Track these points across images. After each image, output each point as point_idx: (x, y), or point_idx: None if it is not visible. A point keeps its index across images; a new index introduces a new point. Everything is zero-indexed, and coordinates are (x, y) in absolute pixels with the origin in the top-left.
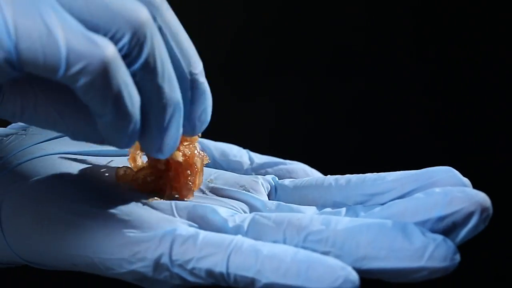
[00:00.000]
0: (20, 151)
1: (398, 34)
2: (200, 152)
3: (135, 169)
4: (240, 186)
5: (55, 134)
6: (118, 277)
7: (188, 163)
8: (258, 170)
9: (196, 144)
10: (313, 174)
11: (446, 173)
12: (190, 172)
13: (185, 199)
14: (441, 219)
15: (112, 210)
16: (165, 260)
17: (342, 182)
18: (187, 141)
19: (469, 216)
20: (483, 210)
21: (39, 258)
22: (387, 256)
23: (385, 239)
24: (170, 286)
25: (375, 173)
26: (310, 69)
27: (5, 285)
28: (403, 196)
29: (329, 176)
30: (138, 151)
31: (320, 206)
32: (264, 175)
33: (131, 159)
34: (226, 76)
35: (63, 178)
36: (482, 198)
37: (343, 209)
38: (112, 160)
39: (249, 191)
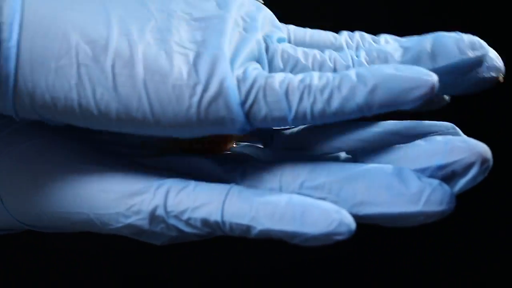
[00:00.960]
0: None
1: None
2: None
3: None
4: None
5: None
6: (116, 233)
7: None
8: None
9: None
10: None
11: (449, 129)
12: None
13: None
14: (440, 167)
15: (107, 166)
16: (160, 211)
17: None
18: None
19: (469, 166)
20: (483, 161)
21: (38, 221)
22: (384, 201)
23: (382, 184)
24: (168, 238)
25: (371, 122)
26: None
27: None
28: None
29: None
30: None
31: (318, 150)
32: None
33: None
34: None
35: (57, 139)
36: (482, 149)
37: (342, 153)
38: None
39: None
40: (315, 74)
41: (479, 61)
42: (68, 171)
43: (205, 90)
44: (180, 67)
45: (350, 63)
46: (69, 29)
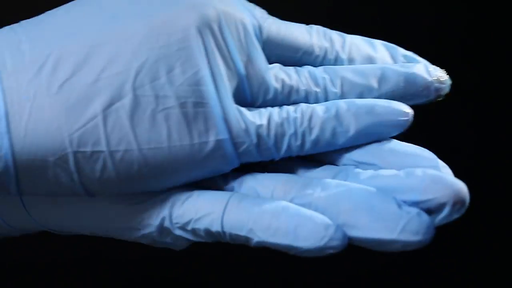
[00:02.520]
0: None
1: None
2: None
3: None
4: None
5: None
6: (134, 241)
7: None
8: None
9: None
10: None
11: (431, 161)
12: None
13: None
14: (416, 203)
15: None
16: (167, 224)
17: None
18: None
19: (441, 206)
20: (456, 202)
21: (62, 229)
22: (364, 225)
23: (363, 208)
24: (180, 246)
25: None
26: None
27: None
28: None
29: None
30: None
31: (314, 161)
32: None
33: None
34: None
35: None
36: (457, 188)
37: (336, 169)
38: None
39: None
40: (302, 117)
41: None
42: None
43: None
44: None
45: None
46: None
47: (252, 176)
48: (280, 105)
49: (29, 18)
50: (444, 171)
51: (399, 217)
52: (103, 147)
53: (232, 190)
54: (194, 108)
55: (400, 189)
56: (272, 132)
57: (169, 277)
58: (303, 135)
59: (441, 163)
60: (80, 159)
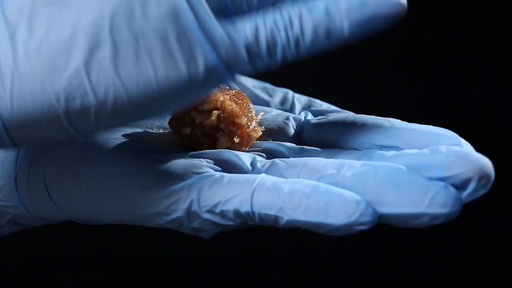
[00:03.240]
0: None
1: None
2: (254, 116)
3: (179, 133)
4: (273, 131)
5: None
6: (161, 227)
7: (236, 118)
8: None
9: (252, 106)
10: None
11: (452, 140)
12: (239, 129)
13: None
14: (441, 179)
15: (143, 166)
16: (195, 207)
17: (358, 124)
18: (239, 99)
19: (467, 181)
20: (481, 177)
21: (88, 218)
22: (391, 201)
23: (390, 184)
24: (208, 231)
25: (392, 120)
26: (380, 66)
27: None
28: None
29: (350, 115)
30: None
31: (337, 148)
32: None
33: (177, 121)
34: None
35: (96, 140)
36: (482, 163)
37: (360, 152)
38: None
39: (279, 136)
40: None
41: None
42: (109, 176)
43: None
44: None
45: None
46: None
47: (277, 161)
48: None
49: None
50: (467, 148)
51: (426, 190)
52: (91, 99)
53: (259, 173)
54: (176, 38)
55: (425, 166)
56: (263, 44)
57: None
58: (297, 40)
59: (463, 141)
60: (72, 115)
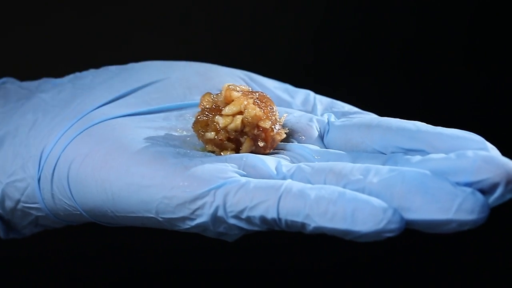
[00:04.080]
0: (82, 117)
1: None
2: (278, 118)
3: (203, 137)
4: (297, 133)
5: (110, 95)
6: (185, 231)
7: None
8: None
9: (275, 108)
10: None
11: (478, 144)
12: (263, 133)
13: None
14: (468, 184)
15: (168, 170)
16: (221, 213)
17: (383, 126)
18: (263, 102)
19: (494, 186)
20: (509, 181)
21: (111, 221)
22: (419, 207)
23: (417, 190)
24: (232, 236)
25: (417, 124)
26: (384, 69)
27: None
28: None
29: (374, 118)
30: (215, 117)
31: (362, 151)
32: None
33: (201, 124)
34: (312, 74)
35: (120, 143)
36: (510, 168)
37: (385, 156)
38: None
39: (302, 138)
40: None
41: None
42: (133, 179)
43: None
44: None
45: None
46: None
47: (303, 165)
48: None
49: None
50: (494, 152)
51: (454, 197)
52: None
53: (283, 179)
54: None
55: (452, 171)
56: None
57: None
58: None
59: (489, 145)
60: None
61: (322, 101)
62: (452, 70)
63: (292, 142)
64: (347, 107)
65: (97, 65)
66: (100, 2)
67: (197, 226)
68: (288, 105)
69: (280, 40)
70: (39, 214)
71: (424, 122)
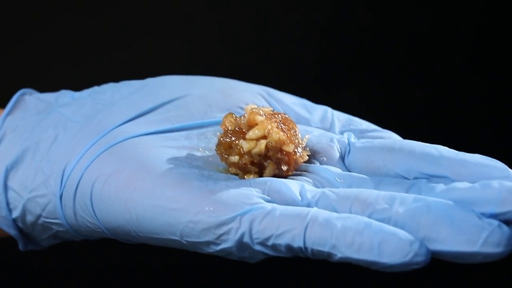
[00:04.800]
0: (104, 136)
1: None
2: (300, 141)
3: (226, 159)
4: (318, 153)
5: (132, 112)
6: (209, 254)
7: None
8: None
9: (297, 130)
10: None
11: (501, 172)
12: (287, 156)
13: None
14: (494, 215)
15: (193, 193)
16: (246, 239)
17: (406, 151)
18: (286, 125)
19: None
20: None
21: (133, 239)
22: (445, 239)
23: (444, 222)
24: (255, 259)
25: (440, 149)
26: (390, 68)
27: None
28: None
29: (397, 141)
30: (239, 140)
31: (384, 175)
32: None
33: (224, 147)
34: (317, 73)
35: (143, 163)
36: None
37: (408, 183)
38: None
39: (323, 159)
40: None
41: None
42: (157, 200)
43: None
44: None
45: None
46: None
47: (327, 192)
48: None
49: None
50: None
51: (481, 230)
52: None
53: (308, 206)
54: None
55: (477, 201)
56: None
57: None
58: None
59: None
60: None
61: (340, 118)
62: (459, 71)
63: (314, 163)
64: (364, 124)
65: (103, 66)
66: (104, 2)
67: (222, 250)
68: (306, 121)
69: (285, 40)
70: (60, 229)
71: (431, 123)
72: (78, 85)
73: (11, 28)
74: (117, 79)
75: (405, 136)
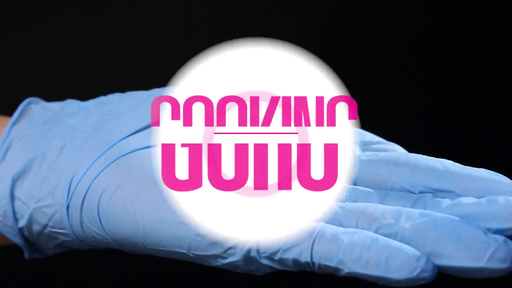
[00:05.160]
0: (111, 147)
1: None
2: None
3: None
4: None
5: (138, 123)
6: (216, 267)
7: None
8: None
9: None
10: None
11: (507, 187)
12: None
13: None
14: (500, 231)
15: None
16: (253, 253)
17: (411, 164)
18: None
19: None
20: None
21: (140, 251)
22: (450, 254)
23: (450, 237)
24: (262, 272)
25: (446, 163)
26: (390, 69)
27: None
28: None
29: (401, 154)
30: None
31: (389, 189)
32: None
33: None
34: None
35: (150, 176)
36: None
37: (414, 197)
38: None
39: None
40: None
41: None
42: (165, 213)
43: None
44: None
45: None
46: None
47: (334, 206)
48: None
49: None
50: None
51: (487, 245)
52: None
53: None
54: None
55: (483, 217)
56: None
57: None
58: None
59: None
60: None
61: None
62: (458, 71)
63: None
64: (369, 136)
65: (102, 65)
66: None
67: (229, 264)
68: None
69: (285, 40)
70: (66, 239)
71: (433, 125)
72: (78, 85)
73: (10, 22)
74: (117, 77)
75: (405, 137)
